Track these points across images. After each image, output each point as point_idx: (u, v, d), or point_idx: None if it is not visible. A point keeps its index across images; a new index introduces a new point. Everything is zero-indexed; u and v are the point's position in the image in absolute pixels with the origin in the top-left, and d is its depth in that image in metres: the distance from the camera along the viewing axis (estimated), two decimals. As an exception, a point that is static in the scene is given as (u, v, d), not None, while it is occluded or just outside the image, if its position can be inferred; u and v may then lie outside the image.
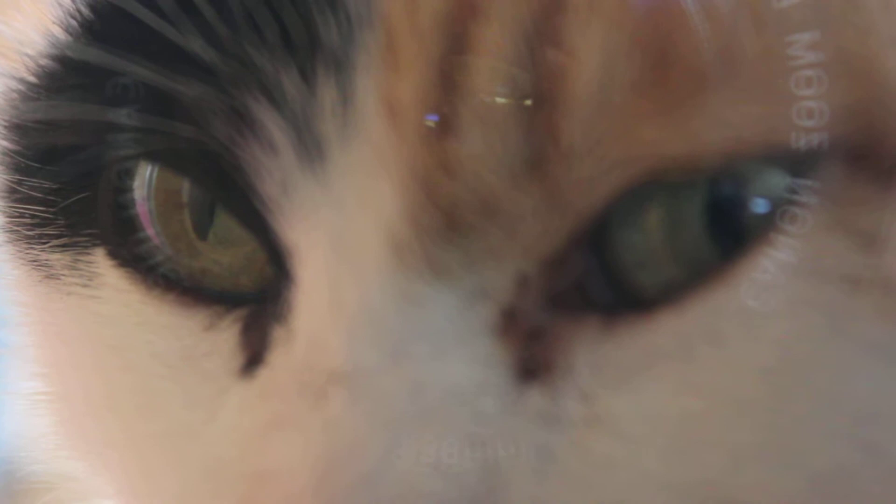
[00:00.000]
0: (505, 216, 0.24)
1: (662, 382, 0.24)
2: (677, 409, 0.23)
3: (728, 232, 0.24)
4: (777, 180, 0.23)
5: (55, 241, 0.31)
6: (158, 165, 0.28)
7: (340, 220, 0.24)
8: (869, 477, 0.23)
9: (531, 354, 0.24)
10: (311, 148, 0.25)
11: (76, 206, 0.30)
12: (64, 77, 0.30)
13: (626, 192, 0.24)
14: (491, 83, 0.23)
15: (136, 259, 0.29)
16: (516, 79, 0.23)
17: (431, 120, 0.24)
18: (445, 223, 0.24)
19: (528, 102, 0.23)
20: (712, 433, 0.23)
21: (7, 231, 0.32)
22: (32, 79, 0.31)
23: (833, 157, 0.23)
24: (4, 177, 0.31)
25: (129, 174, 0.29)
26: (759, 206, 0.23)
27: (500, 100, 0.23)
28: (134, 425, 0.29)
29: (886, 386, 0.23)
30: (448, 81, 0.24)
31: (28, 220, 0.31)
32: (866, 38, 0.23)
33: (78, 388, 0.31)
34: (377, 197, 0.24)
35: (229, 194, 0.27)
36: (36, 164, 0.30)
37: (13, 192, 0.31)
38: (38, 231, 0.31)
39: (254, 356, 0.27)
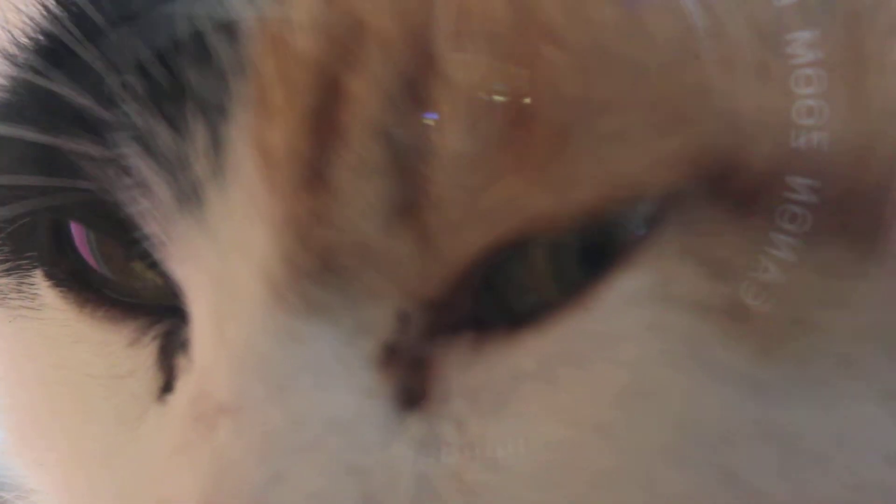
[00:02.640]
0: (380, 260, 0.24)
1: (527, 406, 0.24)
2: (542, 433, 0.24)
3: (592, 255, 0.24)
4: (641, 207, 0.23)
5: (1, 267, 0.32)
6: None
7: (220, 260, 0.25)
8: (724, 502, 0.23)
9: (410, 383, 0.25)
10: (187, 192, 0.25)
11: (20, 230, 0.31)
12: None
13: (500, 248, 0.24)
14: (361, 134, 0.24)
15: (70, 276, 0.30)
16: (385, 131, 0.23)
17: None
18: (321, 266, 0.24)
19: (399, 154, 0.23)
20: (576, 458, 0.24)
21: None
22: None
23: (690, 189, 0.23)
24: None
25: None
26: (621, 232, 0.24)
27: (370, 151, 0.24)
28: (73, 445, 0.31)
29: (738, 411, 0.23)
30: (319, 131, 0.24)
31: None
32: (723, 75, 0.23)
33: (26, 407, 0.33)
34: (252, 240, 0.25)
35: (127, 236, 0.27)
36: None
37: None
38: None
39: (167, 382, 0.28)
